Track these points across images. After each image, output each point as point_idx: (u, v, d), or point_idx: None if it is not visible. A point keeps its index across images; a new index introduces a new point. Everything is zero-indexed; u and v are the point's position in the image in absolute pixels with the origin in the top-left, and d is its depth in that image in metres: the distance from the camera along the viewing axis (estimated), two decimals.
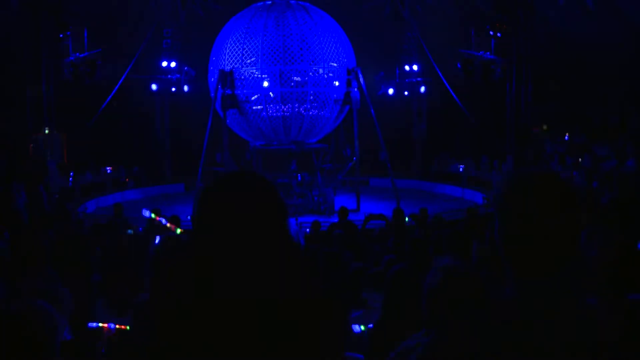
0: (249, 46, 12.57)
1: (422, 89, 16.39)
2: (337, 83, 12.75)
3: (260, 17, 12.70)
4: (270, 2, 13.07)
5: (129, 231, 7.68)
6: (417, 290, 1.98)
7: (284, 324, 1.23)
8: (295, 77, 12.31)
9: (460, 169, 15.39)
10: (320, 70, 12.64)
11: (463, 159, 15.68)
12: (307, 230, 8.54)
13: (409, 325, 2.04)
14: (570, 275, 1.25)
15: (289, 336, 1.23)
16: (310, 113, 12.76)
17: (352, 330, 3.45)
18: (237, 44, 12.69)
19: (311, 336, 1.25)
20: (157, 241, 2.19)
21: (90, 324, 3.29)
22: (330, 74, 12.74)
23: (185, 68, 15.78)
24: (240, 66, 12.59)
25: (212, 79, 13.09)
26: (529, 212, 1.23)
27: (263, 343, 1.19)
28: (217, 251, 1.25)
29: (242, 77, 12.60)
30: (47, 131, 13.55)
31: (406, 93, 16.72)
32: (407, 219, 8.19)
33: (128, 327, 3.47)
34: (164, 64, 15.82)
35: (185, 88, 15.90)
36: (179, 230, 6.44)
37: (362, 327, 3.51)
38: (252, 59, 12.38)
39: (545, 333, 1.19)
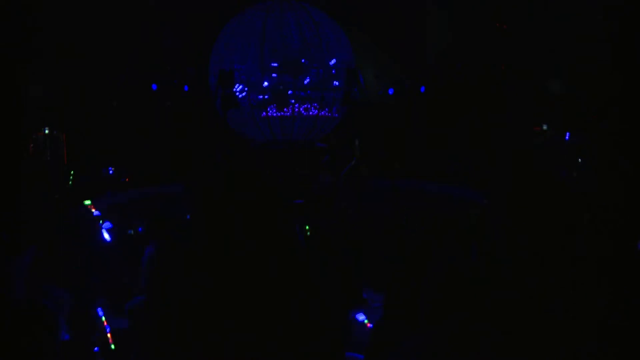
0: (249, 46, 12.59)
1: (422, 88, 16.39)
2: (336, 83, 12.78)
3: (260, 17, 12.72)
4: (270, 2, 13.10)
5: (130, 231, 7.69)
6: (417, 290, 1.98)
7: (283, 323, 1.23)
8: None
9: (461, 169, 15.37)
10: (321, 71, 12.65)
11: (463, 159, 15.65)
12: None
13: (409, 326, 2.04)
14: (571, 275, 1.25)
15: (288, 336, 1.23)
16: (311, 113, 12.79)
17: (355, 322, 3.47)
18: (237, 43, 12.71)
19: (311, 336, 1.24)
20: (149, 250, 2.18)
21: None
22: (332, 74, 12.77)
23: (188, 68, 15.80)
24: (239, 66, 12.60)
25: (212, 79, 13.11)
26: (528, 212, 1.23)
27: (261, 343, 1.19)
28: (216, 251, 1.25)
29: (242, 78, 12.61)
30: (47, 131, 13.56)
31: (406, 92, 16.71)
32: (407, 218, 8.20)
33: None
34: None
35: (185, 87, 15.90)
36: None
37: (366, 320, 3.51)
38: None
39: (545, 333, 1.18)
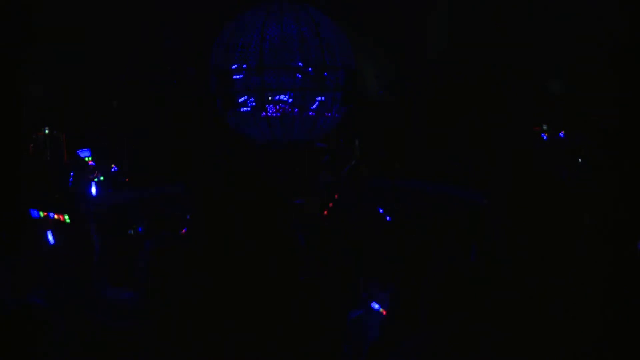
0: (248, 45, 12.59)
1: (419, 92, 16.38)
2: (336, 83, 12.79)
3: (260, 17, 12.71)
4: (270, 2, 13.10)
5: (130, 231, 7.70)
6: (417, 290, 1.98)
7: (283, 323, 1.23)
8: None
9: (461, 169, 15.36)
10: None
11: (463, 159, 15.64)
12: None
13: (409, 326, 2.04)
14: (571, 275, 1.25)
15: (288, 336, 1.23)
16: (311, 113, 12.78)
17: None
18: (237, 43, 12.70)
19: (311, 336, 1.24)
20: (150, 243, 2.18)
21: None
22: (331, 74, 12.76)
23: (188, 68, 15.81)
24: (239, 66, 12.60)
25: (212, 79, 13.11)
26: (528, 212, 1.22)
27: (261, 343, 1.19)
28: (216, 251, 1.25)
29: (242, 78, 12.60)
30: (47, 131, 13.56)
31: (405, 92, 16.71)
32: (407, 219, 8.21)
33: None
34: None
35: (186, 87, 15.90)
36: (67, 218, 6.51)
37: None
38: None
39: (545, 333, 1.18)
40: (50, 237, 6.34)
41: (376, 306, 3.58)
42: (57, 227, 6.67)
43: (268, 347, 1.23)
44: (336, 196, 9.58)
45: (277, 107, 12.29)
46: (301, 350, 1.26)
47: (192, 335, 1.25)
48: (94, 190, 6.88)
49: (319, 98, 12.62)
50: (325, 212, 9.17)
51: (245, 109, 12.28)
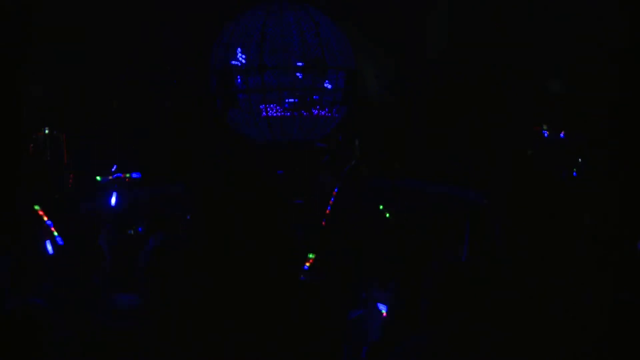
0: (248, 45, 12.61)
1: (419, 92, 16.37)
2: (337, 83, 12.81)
3: (260, 17, 12.73)
4: (270, 2, 13.11)
5: (130, 231, 7.70)
6: (417, 290, 1.98)
7: (283, 323, 1.23)
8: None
9: (461, 169, 15.35)
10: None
11: (463, 159, 15.63)
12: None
13: (409, 326, 2.04)
14: (571, 275, 1.25)
15: (288, 336, 1.23)
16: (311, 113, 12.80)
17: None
18: (237, 43, 12.72)
19: (311, 336, 1.24)
20: (151, 243, 2.19)
21: None
22: (331, 75, 12.78)
23: (188, 68, 15.80)
24: (240, 66, 12.61)
25: (212, 78, 13.12)
26: (528, 212, 1.22)
27: (261, 343, 1.19)
28: (216, 251, 1.25)
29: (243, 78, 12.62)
30: (47, 131, 13.56)
31: (405, 92, 16.70)
32: (407, 219, 8.20)
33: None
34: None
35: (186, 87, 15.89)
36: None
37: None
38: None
39: (545, 333, 1.18)
40: (49, 247, 6.27)
41: (381, 307, 3.59)
42: (60, 230, 6.65)
43: (268, 347, 1.23)
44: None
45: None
46: (301, 350, 1.26)
47: (192, 335, 1.25)
48: (113, 200, 6.86)
49: (334, 96, 12.63)
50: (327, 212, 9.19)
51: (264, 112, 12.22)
